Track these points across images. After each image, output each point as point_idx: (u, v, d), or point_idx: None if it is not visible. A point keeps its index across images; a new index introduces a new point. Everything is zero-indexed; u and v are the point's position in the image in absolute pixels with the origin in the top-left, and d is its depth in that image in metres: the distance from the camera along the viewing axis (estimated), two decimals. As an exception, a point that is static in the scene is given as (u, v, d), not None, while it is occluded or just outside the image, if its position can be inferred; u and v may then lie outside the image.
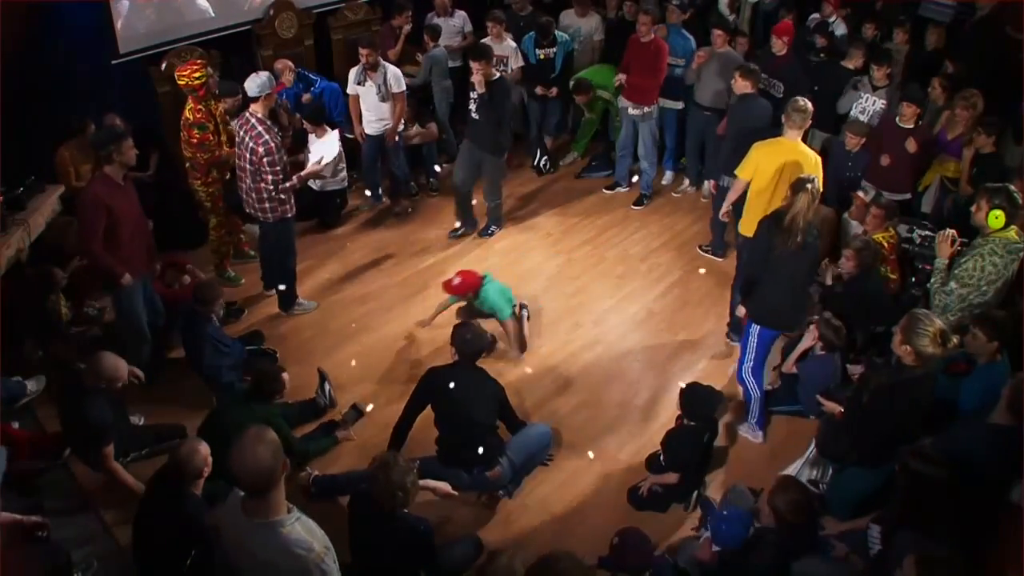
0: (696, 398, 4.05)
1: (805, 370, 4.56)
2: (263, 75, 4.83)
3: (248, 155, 4.75)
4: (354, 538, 3.39)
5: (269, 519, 2.39)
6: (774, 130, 4.89)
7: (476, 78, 5.46)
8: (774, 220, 4.04)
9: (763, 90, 5.96)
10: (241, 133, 4.78)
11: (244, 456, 2.32)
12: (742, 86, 5.26)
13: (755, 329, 4.28)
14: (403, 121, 6.43)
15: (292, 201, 4.99)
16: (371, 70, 5.90)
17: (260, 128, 4.70)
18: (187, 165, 5.25)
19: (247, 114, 4.78)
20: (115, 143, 4.18)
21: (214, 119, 5.09)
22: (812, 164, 4.51)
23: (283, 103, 5.49)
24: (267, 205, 4.90)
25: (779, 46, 6.15)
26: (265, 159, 4.69)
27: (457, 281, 5.14)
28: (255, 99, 4.74)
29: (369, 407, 4.61)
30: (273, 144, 4.69)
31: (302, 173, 5.05)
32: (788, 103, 4.64)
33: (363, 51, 5.85)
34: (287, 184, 4.85)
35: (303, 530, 2.42)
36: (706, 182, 6.78)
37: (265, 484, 2.35)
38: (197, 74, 4.96)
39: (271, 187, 4.79)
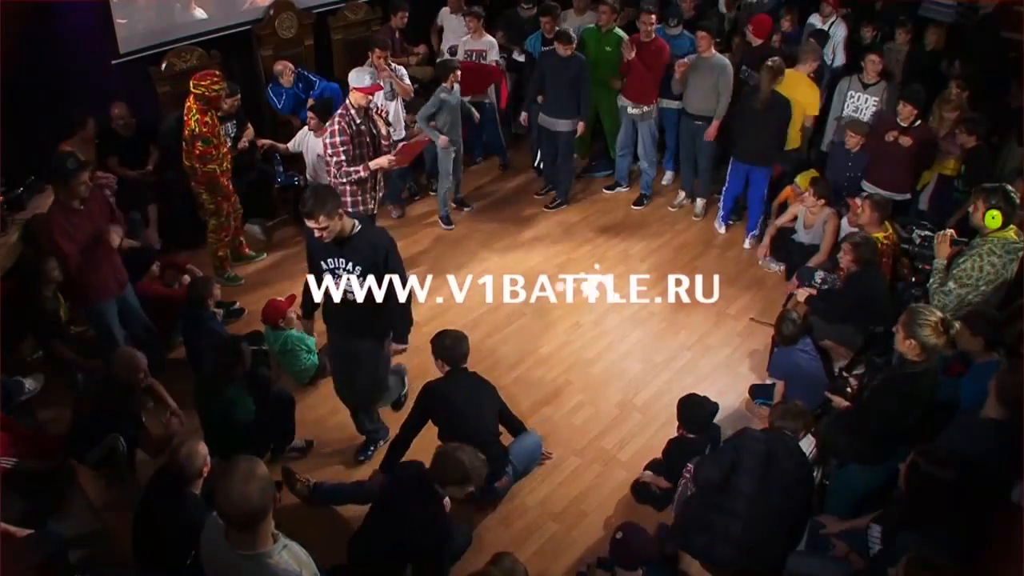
0: (691, 409, 4.04)
1: (773, 366, 4.63)
2: (364, 68, 4.92)
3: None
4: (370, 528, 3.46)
5: (256, 551, 2.30)
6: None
7: (321, 236, 3.58)
8: (750, 92, 5.83)
9: (742, 80, 6.15)
10: None
11: (232, 493, 2.22)
12: (563, 49, 6.06)
13: (731, 161, 6.10)
14: (403, 122, 6.43)
15: (360, 198, 4.93)
16: (380, 71, 5.71)
17: (338, 112, 4.77)
18: (187, 171, 5.26)
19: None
20: (62, 183, 4.10)
21: (217, 134, 5.08)
22: (806, 84, 5.92)
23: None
24: (345, 199, 4.85)
25: (754, 38, 6.26)
26: (327, 140, 4.72)
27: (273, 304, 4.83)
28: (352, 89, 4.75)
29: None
30: (337, 127, 4.68)
31: (371, 164, 4.87)
32: (802, 43, 6.18)
33: (379, 52, 5.66)
34: (351, 169, 4.76)
35: (291, 558, 2.34)
36: (699, 199, 6.75)
37: (253, 521, 2.26)
38: (216, 86, 4.95)
39: (333, 169, 4.76)
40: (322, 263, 3.75)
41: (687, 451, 4.00)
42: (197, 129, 4.99)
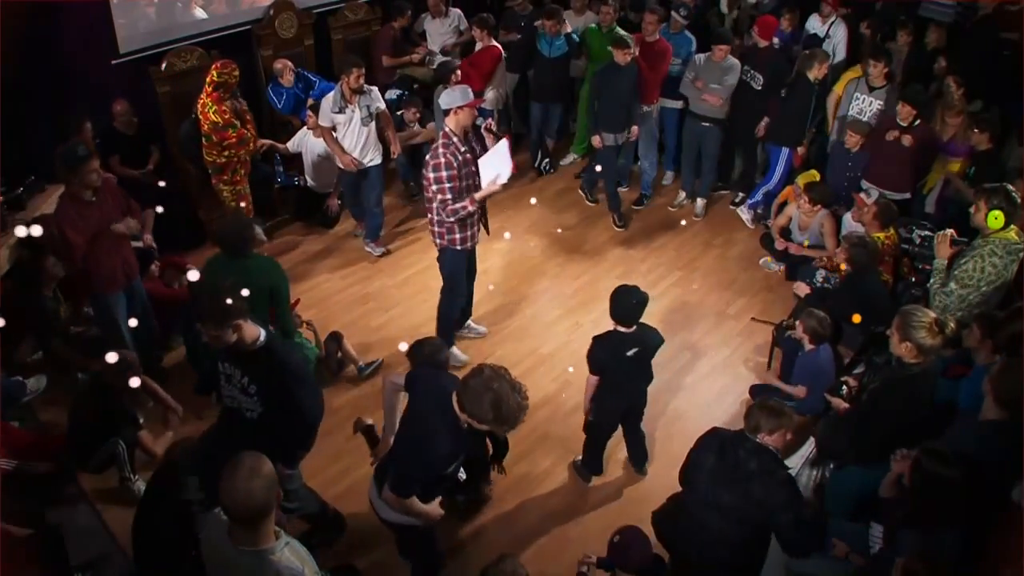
0: (615, 296, 3.87)
1: (796, 369, 4.56)
2: (457, 88, 4.44)
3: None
4: None
5: (258, 547, 2.32)
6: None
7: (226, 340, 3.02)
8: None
9: (744, 81, 6.14)
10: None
11: (236, 490, 2.24)
12: (622, 56, 5.84)
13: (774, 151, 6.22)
14: (406, 122, 6.44)
15: (469, 232, 4.57)
16: (357, 93, 5.44)
17: (440, 142, 4.32)
18: (210, 169, 5.29)
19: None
20: (73, 171, 4.05)
21: (239, 114, 5.14)
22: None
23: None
24: (435, 228, 4.54)
25: (760, 39, 6.24)
26: (431, 174, 4.28)
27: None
28: (445, 112, 4.36)
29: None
30: (442, 160, 4.23)
31: (477, 196, 4.39)
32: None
33: (357, 72, 5.32)
34: (457, 206, 4.34)
35: (292, 555, 2.36)
36: (699, 199, 6.75)
37: (256, 518, 2.29)
38: (235, 72, 5.04)
39: (438, 206, 4.37)
40: (219, 363, 3.22)
41: (607, 341, 3.91)
42: (220, 120, 5.06)
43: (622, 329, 3.86)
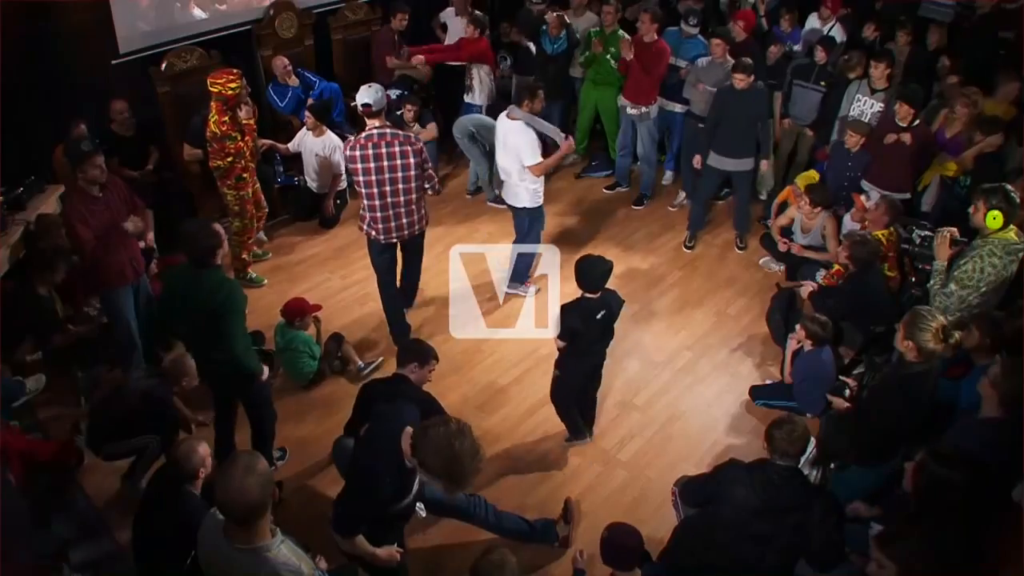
0: (583, 267, 3.98)
1: (796, 367, 4.58)
2: (375, 87, 4.53)
3: (402, 166, 4.53)
4: None
5: (255, 545, 2.32)
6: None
7: None
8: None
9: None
10: (376, 152, 4.47)
11: (231, 487, 2.24)
12: (740, 82, 5.61)
13: None
14: (406, 122, 6.45)
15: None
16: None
17: (401, 133, 4.54)
18: (215, 173, 5.28)
19: (375, 132, 4.47)
20: (77, 166, 4.13)
21: (239, 126, 5.11)
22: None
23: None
24: (422, 213, 4.88)
25: (738, 32, 6.25)
26: (426, 155, 4.67)
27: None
28: (375, 113, 4.48)
29: None
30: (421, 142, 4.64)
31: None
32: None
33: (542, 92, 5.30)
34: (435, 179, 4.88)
35: (290, 552, 2.36)
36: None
37: (252, 515, 2.29)
38: (232, 84, 4.91)
39: (434, 185, 4.84)
40: None
41: (576, 308, 4.02)
42: (218, 131, 5.02)
43: (589, 295, 4.01)
